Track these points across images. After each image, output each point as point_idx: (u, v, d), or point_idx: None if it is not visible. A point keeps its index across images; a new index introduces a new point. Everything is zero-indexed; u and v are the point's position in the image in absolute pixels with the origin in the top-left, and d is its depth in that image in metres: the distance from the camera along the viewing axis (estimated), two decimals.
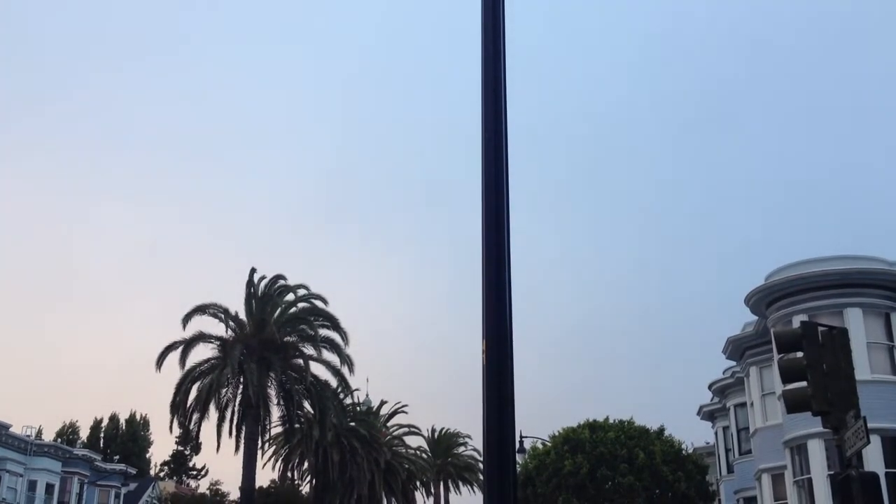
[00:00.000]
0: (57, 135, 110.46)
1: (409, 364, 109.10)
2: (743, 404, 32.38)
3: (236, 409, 38.90)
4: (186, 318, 38.46)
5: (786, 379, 14.27)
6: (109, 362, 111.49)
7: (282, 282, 41.05)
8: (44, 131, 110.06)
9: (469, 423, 77.06)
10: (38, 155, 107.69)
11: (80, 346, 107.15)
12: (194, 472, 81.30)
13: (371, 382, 70.47)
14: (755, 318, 28.30)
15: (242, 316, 40.02)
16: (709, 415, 39.26)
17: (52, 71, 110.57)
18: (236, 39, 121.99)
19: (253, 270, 40.45)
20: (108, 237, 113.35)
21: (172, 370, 38.62)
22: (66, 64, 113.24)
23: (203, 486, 77.42)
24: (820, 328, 13.88)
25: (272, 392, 39.92)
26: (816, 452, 24.22)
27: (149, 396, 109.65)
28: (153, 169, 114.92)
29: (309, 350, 40.71)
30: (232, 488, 65.84)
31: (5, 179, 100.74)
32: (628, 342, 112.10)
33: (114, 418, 76.78)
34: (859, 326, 23.87)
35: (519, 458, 36.54)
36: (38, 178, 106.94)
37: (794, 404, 13.66)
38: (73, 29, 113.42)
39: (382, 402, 61.48)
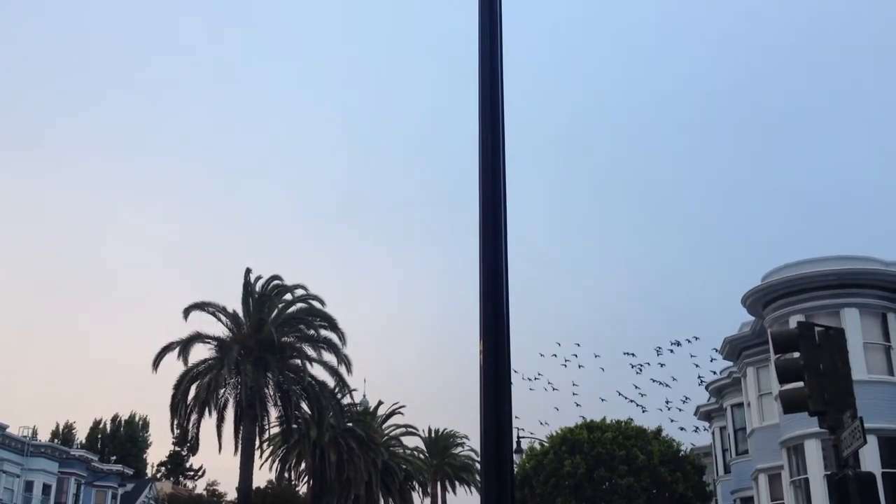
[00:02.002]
0: (76, 139, 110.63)
1: (406, 365, 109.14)
2: (740, 404, 32.36)
3: (234, 409, 38.92)
4: (187, 313, 38.68)
5: (782, 379, 14.30)
6: (114, 364, 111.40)
7: (278, 282, 41.00)
8: (71, 137, 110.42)
9: (466, 424, 77.10)
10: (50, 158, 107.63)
11: (83, 348, 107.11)
12: (191, 473, 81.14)
13: (368, 383, 70.57)
14: (752, 318, 28.30)
15: (240, 315, 40.00)
16: (706, 415, 39.29)
17: (57, 76, 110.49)
18: (238, 42, 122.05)
19: (248, 270, 40.44)
20: (111, 240, 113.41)
21: (172, 371, 38.73)
22: (68, 68, 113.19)
23: (200, 486, 77.33)
24: (816, 328, 13.87)
25: (270, 392, 39.89)
26: (813, 452, 24.21)
27: (149, 398, 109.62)
28: (162, 172, 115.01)
29: (307, 350, 40.70)
30: (229, 489, 65.62)
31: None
32: (627, 342, 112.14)
33: (115, 419, 76.80)
34: (856, 327, 23.88)
35: (516, 458, 36.53)
36: (42, 178, 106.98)
37: (790, 404, 13.67)
38: (78, 35, 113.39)
39: (380, 403, 61.46)
